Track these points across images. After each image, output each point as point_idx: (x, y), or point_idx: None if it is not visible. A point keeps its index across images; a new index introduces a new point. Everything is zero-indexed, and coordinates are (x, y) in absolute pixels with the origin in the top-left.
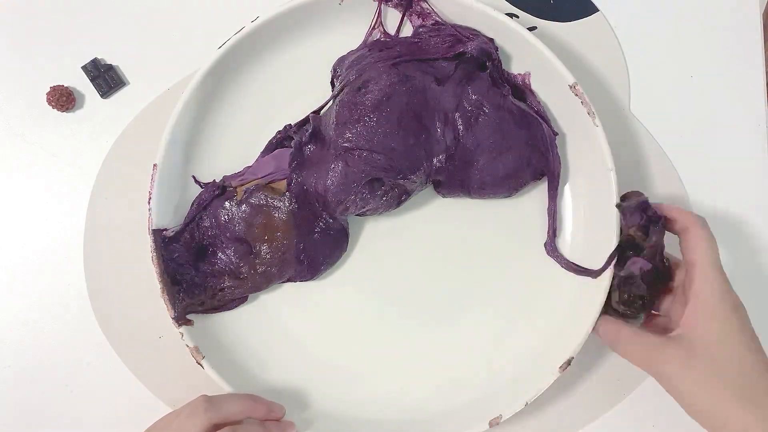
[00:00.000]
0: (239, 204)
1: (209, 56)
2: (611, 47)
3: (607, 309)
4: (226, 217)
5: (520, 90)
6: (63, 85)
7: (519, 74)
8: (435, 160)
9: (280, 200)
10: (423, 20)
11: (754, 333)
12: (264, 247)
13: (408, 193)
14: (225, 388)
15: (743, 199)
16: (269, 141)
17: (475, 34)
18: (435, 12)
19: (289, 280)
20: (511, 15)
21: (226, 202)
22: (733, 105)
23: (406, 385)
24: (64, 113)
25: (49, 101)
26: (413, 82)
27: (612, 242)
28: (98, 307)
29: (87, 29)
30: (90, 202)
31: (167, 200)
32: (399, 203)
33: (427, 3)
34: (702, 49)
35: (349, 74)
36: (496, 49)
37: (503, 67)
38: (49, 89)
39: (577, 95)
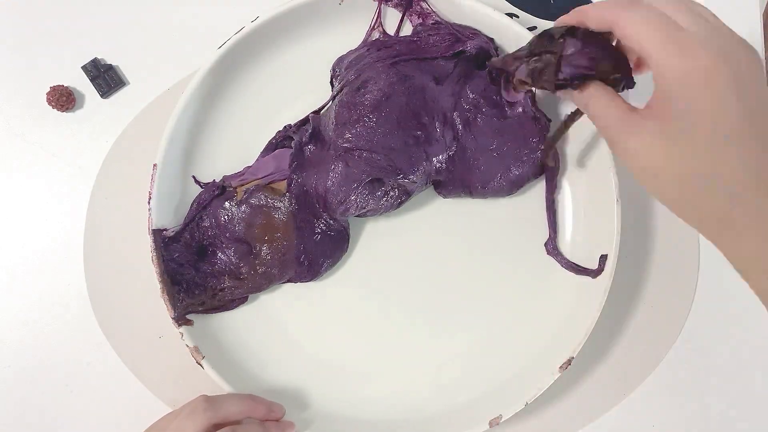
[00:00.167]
0: (239, 204)
1: (209, 56)
2: None
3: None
4: (225, 217)
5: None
6: (63, 85)
7: None
8: (435, 160)
9: (281, 201)
10: (423, 20)
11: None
12: (264, 248)
13: (408, 194)
14: (225, 388)
15: None
16: (269, 141)
17: (474, 33)
18: (434, 12)
19: (289, 281)
20: (511, 15)
21: (226, 203)
22: None
23: (406, 385)
24: (64, 113)
25: (49, 101)
26: (412, 82)
27: (612, 242)
28: (98, 307)
29: (87, 29)
30: (90, 202)
31: (167, 200)
32: (399, 204)
33: (426, 3)
34: None
35: (348, 74)
36: (496, 48)
37: None
38: (49, 89)
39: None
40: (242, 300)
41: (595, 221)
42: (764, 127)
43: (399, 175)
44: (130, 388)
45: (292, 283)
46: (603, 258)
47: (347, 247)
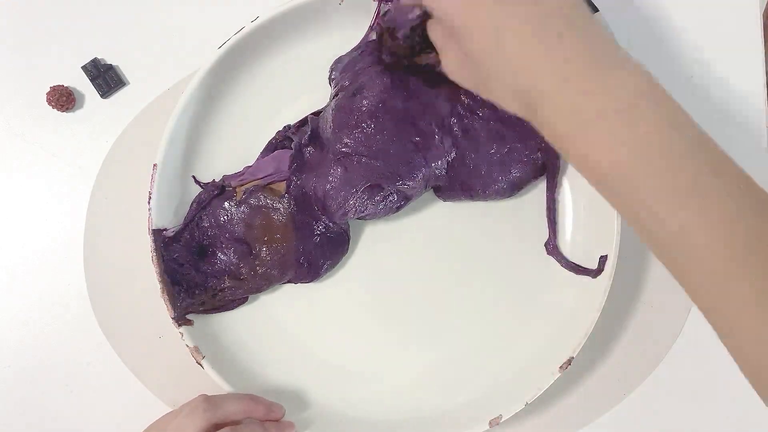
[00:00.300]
0: (238, 205)
1: (209, 56)
2: None
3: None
4: (225, 217)
5: None
6: (63, 85)
7: None
8: (434, 166)
9: (280, 202)
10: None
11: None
12: (264, 249)
13: (407, 199)
14: (225, 388)
15: None
16: (269, 141)
17: None
18: None
19: (289, 282)
20: None
21: (226, 203)
22: (733, 105)
23: (406, 385)
24: (64, 113)
25: (49, 101)
26: (407, 87)
27: (612, 242)
28: (98, 307)
29: (87, 29)
30: (90, 202)
31: (167, 200)
32: (398, 209)
33: None
34: (702, 49)
35: (343, 78)
36: None
37: None
38: (49, 89)
39: None
40: (242, 300)
41: (595, 221)
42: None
43: (398, 182)
44: (130, 388)
45: (293, 284)
46: (603, 258)
47: (347, 248)
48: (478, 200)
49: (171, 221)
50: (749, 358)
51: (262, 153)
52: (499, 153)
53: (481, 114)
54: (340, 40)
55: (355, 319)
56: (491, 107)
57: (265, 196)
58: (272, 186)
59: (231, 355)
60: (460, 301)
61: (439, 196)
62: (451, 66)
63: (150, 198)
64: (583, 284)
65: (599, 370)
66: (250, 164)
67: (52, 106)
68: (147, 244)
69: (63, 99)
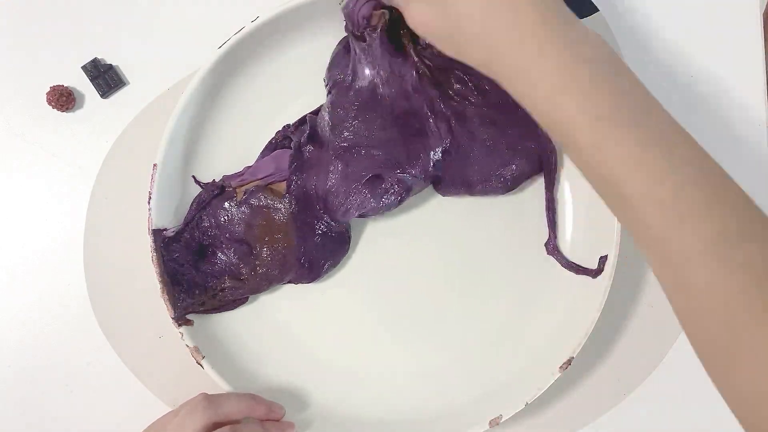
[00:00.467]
0: (239, 205)
1: (209, 56)
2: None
3: None
4: (225, 217)
5: None
6: (63, 85)
7: None
8: (432, 153)
9: (280, 202)
10: None
11: None
12: (264, 249)
13: (408, 190)
14: (225, 388)
15: None
16: (269, 141)
17: None
18: None
19: (290, 282)
20: None
21: (226, 203)
22: (733, 105)
23: (406, 385)
24: (64, 113)
25: (49, 101)
26: (398, 73)
27: (612, 242)
28: (98, 307)
29: (87, 29)
30: (90, 202)
31: (167, 200)
32: (400, 201)
33: None
34: (702, 49)
35: (335, 73)
36: None
37: None
38: (49, 89)
39: None
40: (243, 300)
41: (595, 221)
42: None
43: (398, 169)
44: (130, 388)
45: (293, 284)
46: (603, 258)
47: (348, 248)
48: (477, 194)
49: (171, 221)
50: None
51: (262, 153)
52: (493, 140)
53: (473, 100)
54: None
55: (355, 319)
56: (483, 92)
57: (265, 197)
58: (272, 186)
59: (231, 355)
60: (460, 302)
61: (438, 191)
62: (417, 19)
63: (150, 198)
64: (583, 284)
65: (599, 370)
66: (250, 164)
67: (52, 106)
68: (147, 244)
69: (63, 99)
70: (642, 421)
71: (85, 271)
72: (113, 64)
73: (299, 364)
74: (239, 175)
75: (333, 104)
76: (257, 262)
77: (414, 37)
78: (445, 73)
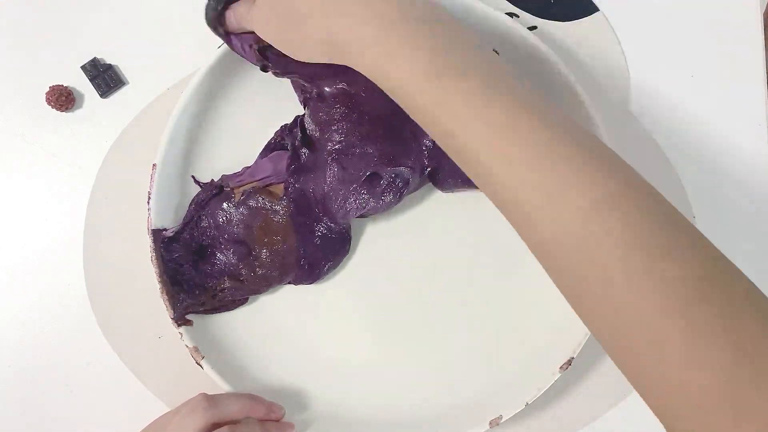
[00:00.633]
0: (237, 206)
1: (209, 56)
2: (611, 47)
3: None
4: (223, 218)
5: None
6: (62, 85)
7: None
8: (424, 140)
9: (278, 204)
10: None
11: None
12: (264, 251)
13: (407, 184)
14: (225, 388)
15: (743, 199)
16: (268, 142)
17: None
18: None
19: (290, 283)
20: (511, 15)
21: (224, 204)
22: (733, 105)
23: (406, 385)
24: (64, 113)
25: (49, 101)
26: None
27: None
28: (98, 307)
29: (87, 29)
30: (90, 202)
31: (167, 200)
32: (400, 198)
33: None
34: (702, 49)
35: (299, 91)
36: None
37: None
38: (48, 89)
39: (577, 94)
40: (242, 301)
41: None
42: None
43: (394, 163)
44: (130, 388)
45: (293, 285)
46: None
47: (348, 249)
48: (474, 186)
49: (171, 221)
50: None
51: (261, 154)
52: None
53: None
54: None
55: (355, 319)
56: None
57: (263, 198)
58: (270, 188)
59: (231, 355)
60: (460, 302)
61: (438, 186)
62: (258, 22)
63: (149, 198)
64: None
65: (599, 370)
66: (249, 165)
67: (51, 105)
68: (147, 244)
69: (62, 99)
70: (642, 421)
71: (85, 271)
72: (113, 64)
73: (299, 364)
74: (238, 176)
75: (313, 111)
76: (256, 263)
77: None
78: None
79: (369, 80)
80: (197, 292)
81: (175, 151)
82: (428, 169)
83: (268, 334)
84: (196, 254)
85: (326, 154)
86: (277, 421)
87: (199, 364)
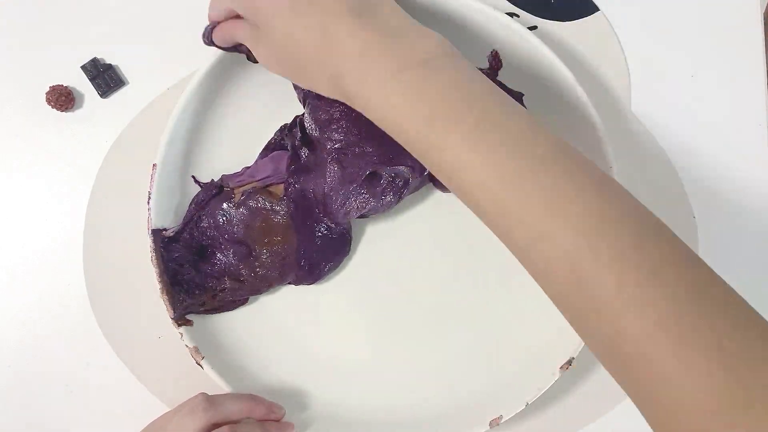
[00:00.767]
0: (237, 206)
1: (209, 56)
2: (611, 47)
3: None
4: (224, 218)
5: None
6: (62, 85)
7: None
8: None
9: (279, 204)
10: None
11: None
12: (264, 251)
13: (407, 183)
14: (225, 388)
15: (744, 198)
16: (268, 141)
17: None
18: None
19: (290, 283)
20: (511, 14)
21: (224, 204)
22: (733, 105)
23: (406, 385)
24: (64, 113)
25: (49, 101)
26: None
27: None
28: (98, 307)
29: (87, 29)
30: (90, 202)
31: (167, 200)
32: (400, 197)
33: None
34: (702, 49)
35: (299, 88)
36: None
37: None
38: (48, 89)
39: (577, 94)
40: (243, 301)
41: None
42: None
43: (393, 163)
44: (130, 388)
45: (293, 285)
46: None
47: (349, 249)
48: None
49: (171, 221)
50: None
51: (261, 154)
52: None
53: None
54: None
55: (355, 319)
56: None
57: (263, 199)
58: (270, 188)
59: (231, 355)
60: (461, 302)
61: (437, 186)
62: (266, 60)
63: (150, 198)
64: None
65: (599, 370)
66: (249, 165)
67: (51, 106)
68: (147, 244)
69: (63, 99)
70: (642, 422)
71: (85, 271)
72: (113, 63)
73: (299, 364)
74: (238, 176)
75: (313, 110)
76: (257, 264)
77: None
78: None
79: None
80: (197, 292)
81: (175, 151)
82: (428, 170)
83: (268, 334)
84: (196, 254)
85: (326, 154)
86: (277, 421)
87: (199, 364)
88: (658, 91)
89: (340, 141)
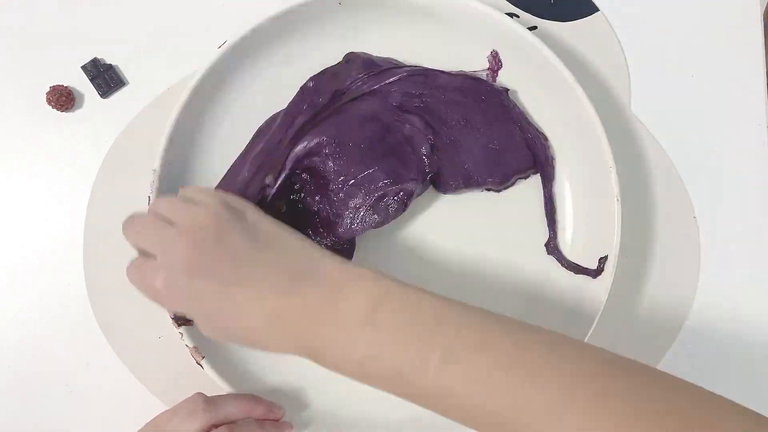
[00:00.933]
0: None
1: (209, 56)
2: (611, 47)
3: None
4: None
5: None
6: (63, 85)
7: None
8: (422, 149)
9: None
10: None
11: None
12: None
13: (411, 195)
14: (225, 388)
15: (744, 198)
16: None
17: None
18: None
19: None
20: (511, 15)
21: None
22: (733, 105)
23: None
24: (64, 113)
25: (49, 101)
26: (351, 104)
27: (612, 242)
28: (98, 307)
29: (87, 29)
30: (90, 202)
31: None
32: (405, 207)
33: None
34: (702, 49)
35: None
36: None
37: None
38: (48, 89)
39: (577, 94)
40: None
41: (595, 221)
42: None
43: (399, 182)
44: (130, 388)
45: None
46: (603, 259)
47: (352, 254)
48: (474, 185)
49: None
50: None
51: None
52: (465, 119)
53: (426, 92)
54: (340, 40)
55: None
56: (435, 87)
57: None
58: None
59: (231, 355)
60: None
61: (440, 190)
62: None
63: (150, 201)
64: (583, 284)
65: None
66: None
67: (51, 106)
68: None
69: (63, 99)
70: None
71: (85, 271)
72: (113, 64)
73: (299, 364)
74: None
75: (322, 159)
76: None
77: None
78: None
79: (347, 116)
80: None
81: (174, 153)
82: (430, 175)
83: None
84: None
85: (333, 185)
86: (277, 420)
87: (199, 363)
88: (658, 91)
89: (347, 175)
